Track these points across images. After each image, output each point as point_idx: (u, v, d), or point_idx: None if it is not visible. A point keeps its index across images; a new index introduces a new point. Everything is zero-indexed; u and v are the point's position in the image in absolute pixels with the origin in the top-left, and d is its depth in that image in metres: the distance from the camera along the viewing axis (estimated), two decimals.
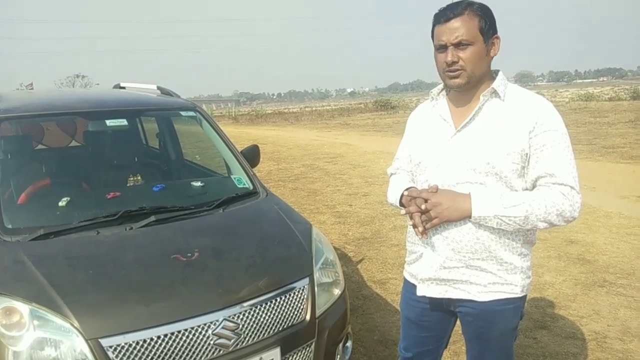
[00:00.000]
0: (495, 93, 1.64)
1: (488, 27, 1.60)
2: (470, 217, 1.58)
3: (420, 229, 1.64)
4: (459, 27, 1.57)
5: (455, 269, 1.69)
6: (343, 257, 4.93)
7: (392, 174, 2.00)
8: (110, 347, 1.83)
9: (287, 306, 2.22)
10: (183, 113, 3.53)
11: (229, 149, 3.35)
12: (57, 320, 1.85)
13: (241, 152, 3.42)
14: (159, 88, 3.82)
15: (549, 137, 1.56)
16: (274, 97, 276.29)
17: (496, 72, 1.70)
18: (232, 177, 3.23)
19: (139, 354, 1.85)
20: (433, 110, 1.81)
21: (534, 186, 1.62)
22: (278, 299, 2.20)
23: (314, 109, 47.36)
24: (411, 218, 1.69)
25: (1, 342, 1.83)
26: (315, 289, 2.35)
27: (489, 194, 1.58)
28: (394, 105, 37.24)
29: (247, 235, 2.57)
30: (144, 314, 1.94)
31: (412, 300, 1.88)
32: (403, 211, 1.75)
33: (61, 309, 1.87)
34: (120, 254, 2.26)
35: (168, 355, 1.89)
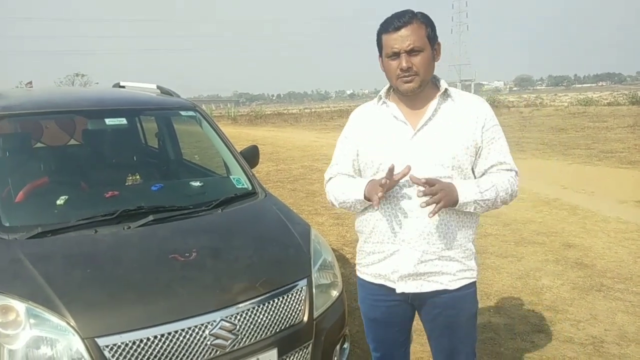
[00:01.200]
0: (447, 95, 1.79)
1: (433, 34, 1.73)
2: (455, 205, 1.68)
3: (380, 194, 1.63)
4: (409, 35, 1.67)
5: (430, 261, 1.77)
6: (341, 258, 4.92)
7: (330, 178, 1.98)
8: (107, 346, 1.82)
9: (285, 307, 2.22)
10: (183, 113, 3.53)
11: (229, 149, 3.35)
12: (53, 319, 1.85)
13: (240, 152, 3.42)
14: (158, 87, 3.81)
15: (496, 131, 1.78)
16: (274, 98, 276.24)
17: (436, 77, 1.82)
18: (231, 177, 3.22)
19: (136, 354, 1.84)
20: (382, 111, 1.85)
21: (483, 174, 1.79)
22: (276, 300, 2.19)
23: (313, 110, 47.39)
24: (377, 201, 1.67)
25: None
26: (313, 290, 2.35)
27: (467, 182, 1.72)
28: None
29: (246, 236, 2.57)
30: (141, 314, 1.94)
31: (377, 301, 1.92)
32: (365, 224, 1.86)
33: (58, 307, 1.87)
34: (118, 253, 2.25)
35: (165, 356, 1.88)
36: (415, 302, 1.87)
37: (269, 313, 2.16)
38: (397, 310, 1.91)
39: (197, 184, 3.05)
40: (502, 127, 1.84)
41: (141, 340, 1.86)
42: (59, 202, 2.57)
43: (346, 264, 4.81)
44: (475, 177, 1.80)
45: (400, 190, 1.75)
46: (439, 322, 1.88)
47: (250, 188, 3.05)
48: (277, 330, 2.18)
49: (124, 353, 1.83)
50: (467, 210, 1.72)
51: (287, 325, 2.22)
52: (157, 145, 3.98)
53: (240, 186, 3.07)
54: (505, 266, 4.64)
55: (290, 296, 2.25)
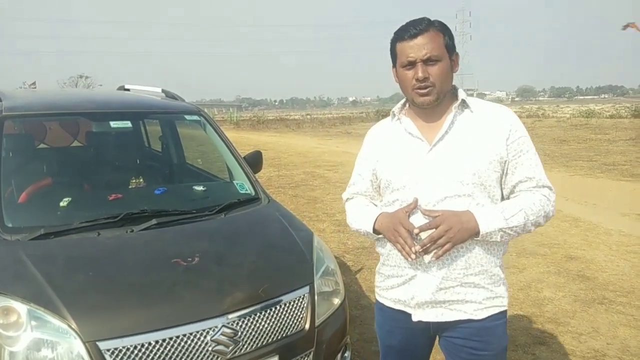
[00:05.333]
0: (464, 105, 1.65)
1: (451, 44, 1.62)
2: (477, 235, 1.55)
3: (413, 255, 1.55)
4: (426, 44, 1.56)
5: (451, 288, 1.62)
6: (342, 266, 4.91)
7: (347, 199, 1.91)
8: (108, 350, 1.81)
9: (287, 314, 2.20)
10: (187, 117, 3.53)
11: (232, 154, 3.34)
12: (54, 321, 1.84)
13: (244, 157, 3.41)
14: (163, 91, 3.82)
15: (523, 143, 1.61)
16: (276, 103, 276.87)
17: (454, 87, 1.70)
18: (234, 182, 3.22)
19: (137, 358, 1.83)
20: (396, 128, 1.75)
21: (511, 192, 1.64)
22: (278, 307, 2.18)
23: (315, 116, 47.47)
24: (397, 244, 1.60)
25: None
26: (316, 297, 2.34)
27: (489, 209, 1.58)
28: None
29: (249, 242, 2.56)
30: (143, 318, 1.93)
31: (395, 328, 1.80)
32: (382, 245, 1.75)
33: (59, 310, 1.86)
34: (121, 257, 2.24)
35: None
36: (438, 332, 1.73)
37: (270, 320, 2.14)
38: (416, 339, 1.78)
39: (201, 188, 3.05)
40: None
41: (142, 345, 1.85)
42: (62, 203, 2.56)
43: (347, 271, 4.79)
44: (503, 195, 1.66)
45: (417, 212, 1.61)
46: (462, 355, 1.70)
47: (253, 193, 3.05)
48: (279, 337, 2.16)
49: (125, 357, 1.82)
50: (493, 239, 1.57)
51: (289, 333, 2.20)
52: (161, 148, 3.98)
53: (243, 191, 3.06)
54: (507, 277, 4.57)
55: (292, 303, 2.24)
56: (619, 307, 3.92)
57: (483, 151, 1.59)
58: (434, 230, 1.53)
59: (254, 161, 3.48)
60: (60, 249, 2.24)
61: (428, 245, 1.54)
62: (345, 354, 2.56)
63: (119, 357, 1.81)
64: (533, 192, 1.61)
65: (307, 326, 2.26)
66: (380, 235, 1.70)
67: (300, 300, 2.28)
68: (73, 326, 1.82)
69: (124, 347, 1.82)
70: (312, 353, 2.27)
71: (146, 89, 3.96)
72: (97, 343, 1.81)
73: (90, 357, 1.79)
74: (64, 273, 2.09)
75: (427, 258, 1.59)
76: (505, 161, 1.60)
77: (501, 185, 1.64)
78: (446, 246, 1.53)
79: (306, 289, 2.32)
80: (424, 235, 1.56)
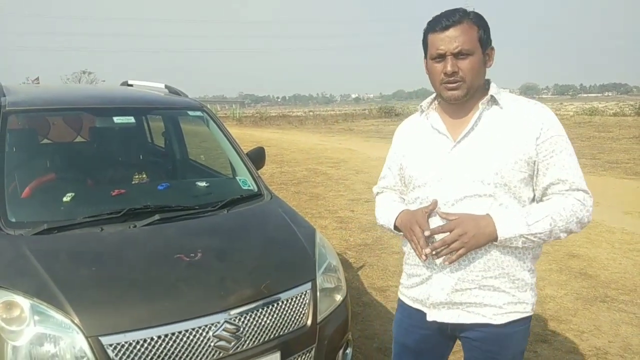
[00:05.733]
0: (493, 101, 1.59)
1: (486, 37, 1.55)
2: (495, 240, 1.49)
3: (424, 256, 1.53)
4: (458, 36, 1.49)
5: (468, 290, 1.58)
6: (344, 262, 4.91)
7: (377, 193, 1.90)
8: (110, 345, 1.81)
9: (289, 310, 2.21)
10: (190, 113, 3.53)
11: (235, 150, 3.34)
12: (57, 316, 1.84)
13: (247, 154, 3.42)
14: (167, 87, 3.82)
15: (556, 143, 1.52)
16: (279, 100, 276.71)
17: (488, 82, 1.63)
18: (237, 178, 3.22)
19: (139, 354, 1.84)
20: (423, 123, 1.71)
21: (543, 194, 1.56)
22: (280, 303, 2.18)
23: (318, 113, 47.43)
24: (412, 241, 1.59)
25: (1, 336, 1.82)
26: (318, 294, 2.34)
27: (511, 213, 1.51)
28: (398, 112, 37.42)
29: (251, 238, 2.56)
30: (146, 313, 1.93)
31: (412, 327, 1.77)
32: (405, 243, 1.74)
33: (62, 305, 1.86)
34: (124, 252, 2.25)
35: (168, 356, 1.88)
36: (456, 333, 1.69)
37: (272, 316, 2.15)
38: (433, 339, 1.74)
39: (203, 184, 3.05)
40: None
41: (145, 340, 1.85)
42: (66, 199, 2.57)
43: (349, 268, 4.80)
44: (535, 197, 1.58)
45: (436, 213, 1.58)
46: (477, 356, 1.67)
47: (256, 190, 3.05)
48: (281, 333, 2.17)
49: (128, 352, 1.82)
50: (514, 245, 1.50)
51: (291, 329, 2.20)
52: (164, 144, 3.99)
53: (246, 187, 3.06)
54: None
55: (294, 299, 2.24)
56: (621, 305, 3.92)
57: (508, 150, 1.51)
58: (448, 233, 1.49)
59: (257, 157, 3.48)
60: (63, 244, 2.24)
61: (440, 249, 1.51)
62: (347, 351, 2.56)
63: (122, 352, 1.82)
64: (565, 196, 1.52)
65: (309, 322, 2.27)
66: (402, 233, 1.68)
67: (303, 296, 2.28)
68: (76, 321, 1.83)
69: (126, 342, 1.83)
70: (314, 349, 2.27)
71: (149, 85, 3.96)
72: (100, 338, 1.81)
73: (93, 352, 1.79)
74: (66, 268, 2.10)
75: (439, 261, 1.56)
76: (535, 161, 1.52)
77: (533, 186, 1.57)
78: (460, 251, 1.48)
79: (308, 285, 2.32)
80: (439, 237, 1.53)
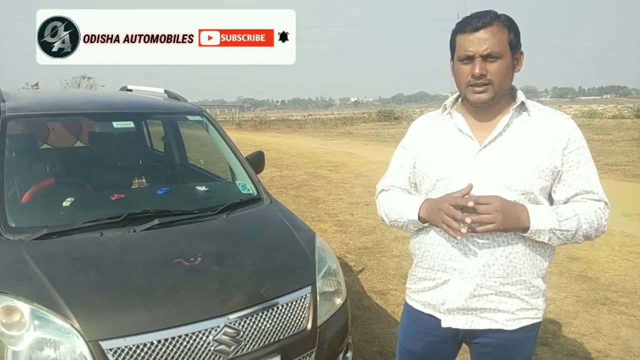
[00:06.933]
0: (523, 108, 1.58)
1: (516, 41, 1.53)
2: (524, 229, 1.48)
3: (464, 230, 1.46)
4: (488, 38, 1.47)
5: (484, 296, 1.56)
6: (344, 266, 4.91)
7: (382, 191, 1.80)
8: (110, 349, 1.81)
9: (289, 314, 2.21)
10: (189, 117, 3.54)
11: (235, 154, 3.35)
12: (57, 321, 1.84)
13: (246, 158, 3.42)
14: (166, 92, 3.83)
15: (582, 154, 1.54)
16: (278, 104, 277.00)
17: (513, 88, 1.62)
18: (236, 182, 3.22)
19: (139, 358, 1.84)
20: (446, 123, 1.66)
21: (565, 202, 1.56)
22: (280, 307, 2.18)
23: (317, 117, 47.52)
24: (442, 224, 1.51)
25: (1, 341, 1.82)
26: (317, 298, 2.34)
27: (543, 207, 1.52)
28: (398, 116, 37.45)
29: (251, 242, 2.57)
30: (145, 318, 1.94)
31: (419, 333, 1.74)
32: (417, 246, 1.68)
33: (62, 309, 1.86)
34: (123, 257, 2.25)
35: None
36: (466, 339, 1.68)
37: (272, 320, 2.15)
38: (440, 346, 1.72)
39: (203, 188, 3.05)
40: None
41: (145, 344, 1.85)
42: (65, 203, 2.57)
43: (349, 271, 4.80)
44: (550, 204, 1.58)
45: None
46: None
47: (255, 194, 3.05)
48: (281, 337, 2.17)
49: (128, 357, 1.82)
50: (540, 239, 1.50)
51: (291, 333, 2.20)
52: (163, 149, 3.99)
53: (245, 192, 3.07)
54: None
55: (294, 303, 2.24)
56: (622, 308, 3.92)
57: (537, 158, 1.51)
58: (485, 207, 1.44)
59: (256, 161, 3.48)
60: (63, 249, 2.24)
61: (475, 224, 1.45)
62: (347, 355, 2.56)
63: (122, 356, 1.82)
64: (588, 204, 1.53)
65: (309, 326, 2.27)
66: (426, 224, 1.61)
67: (302, 300, 2.28)
68: (76, 326, 1.83)
69: (126, 347, 1.83)
70: (314, 353, 2.27)
71: (149, 90, 3.97)
72: (100, 343, 1.81)
73: (93, 356, 1.79)
74: (66, 273, 2.10)
75: (464, 230, 1.47)
76: (559, 171, 1.53)
77: (549, 194, 1.58)
78: (489, 226, 1.44)
79: (308, 289, 2.32)
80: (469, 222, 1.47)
